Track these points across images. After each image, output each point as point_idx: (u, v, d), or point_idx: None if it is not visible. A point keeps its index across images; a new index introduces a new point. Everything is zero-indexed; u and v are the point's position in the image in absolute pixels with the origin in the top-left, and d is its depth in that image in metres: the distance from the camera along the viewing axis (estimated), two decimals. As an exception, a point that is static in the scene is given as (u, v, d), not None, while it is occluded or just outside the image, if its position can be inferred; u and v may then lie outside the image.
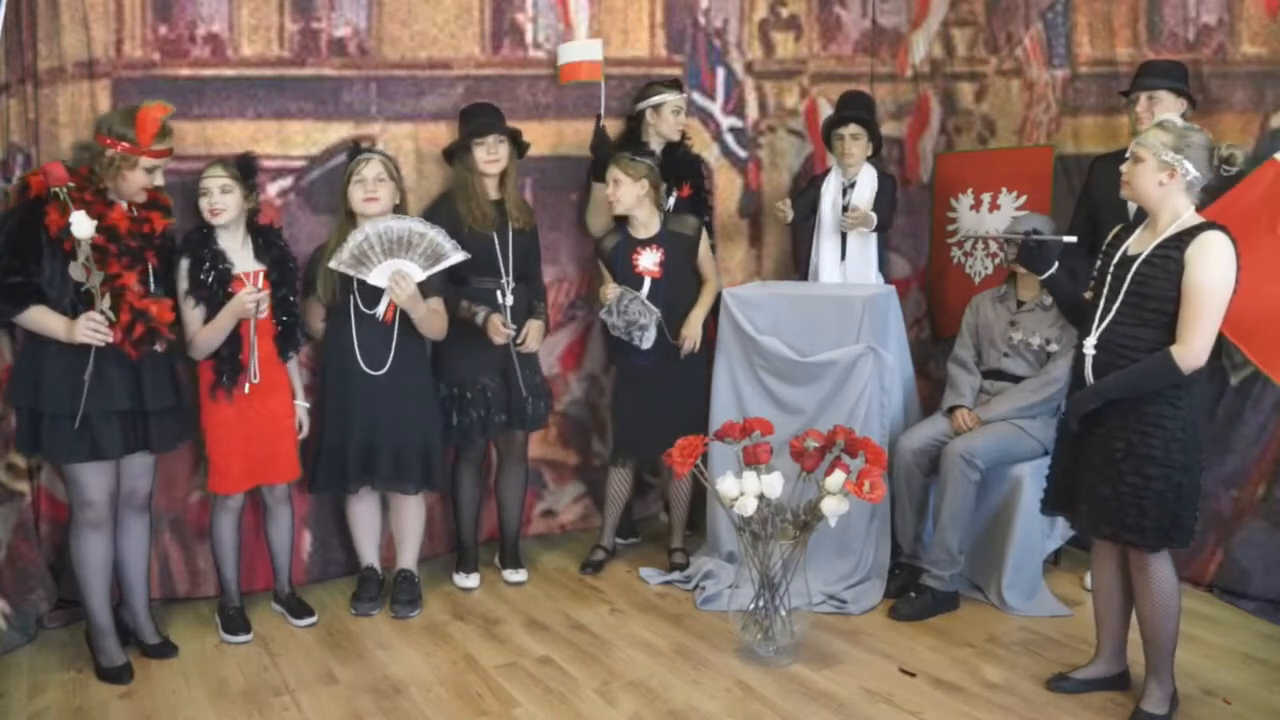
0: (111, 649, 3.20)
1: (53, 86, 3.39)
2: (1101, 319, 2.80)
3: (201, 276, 3.28)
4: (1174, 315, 2.67)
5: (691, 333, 3.87)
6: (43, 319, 2.97)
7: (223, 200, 3.35)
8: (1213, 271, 2.63)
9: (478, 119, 3.76)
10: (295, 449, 3.55)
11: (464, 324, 3.72)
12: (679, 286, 3.90)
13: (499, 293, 3.77)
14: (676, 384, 3.90)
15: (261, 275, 3.39)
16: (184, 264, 3.30)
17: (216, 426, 3.37)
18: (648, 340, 3.81)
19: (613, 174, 3.82)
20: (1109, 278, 2.82)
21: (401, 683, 3.18)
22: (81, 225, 2.89)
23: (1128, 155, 2.82)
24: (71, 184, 2.95)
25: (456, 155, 3.78)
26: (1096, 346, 2.79)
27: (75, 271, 2.97)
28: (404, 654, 3.38)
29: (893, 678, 3.18)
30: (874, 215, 4.18)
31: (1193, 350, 2.65)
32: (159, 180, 3.15)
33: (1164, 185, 2.72)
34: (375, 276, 3.45)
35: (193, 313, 3.28)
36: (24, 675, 3.22)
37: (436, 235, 3.48)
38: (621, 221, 3.96)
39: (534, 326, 3.84)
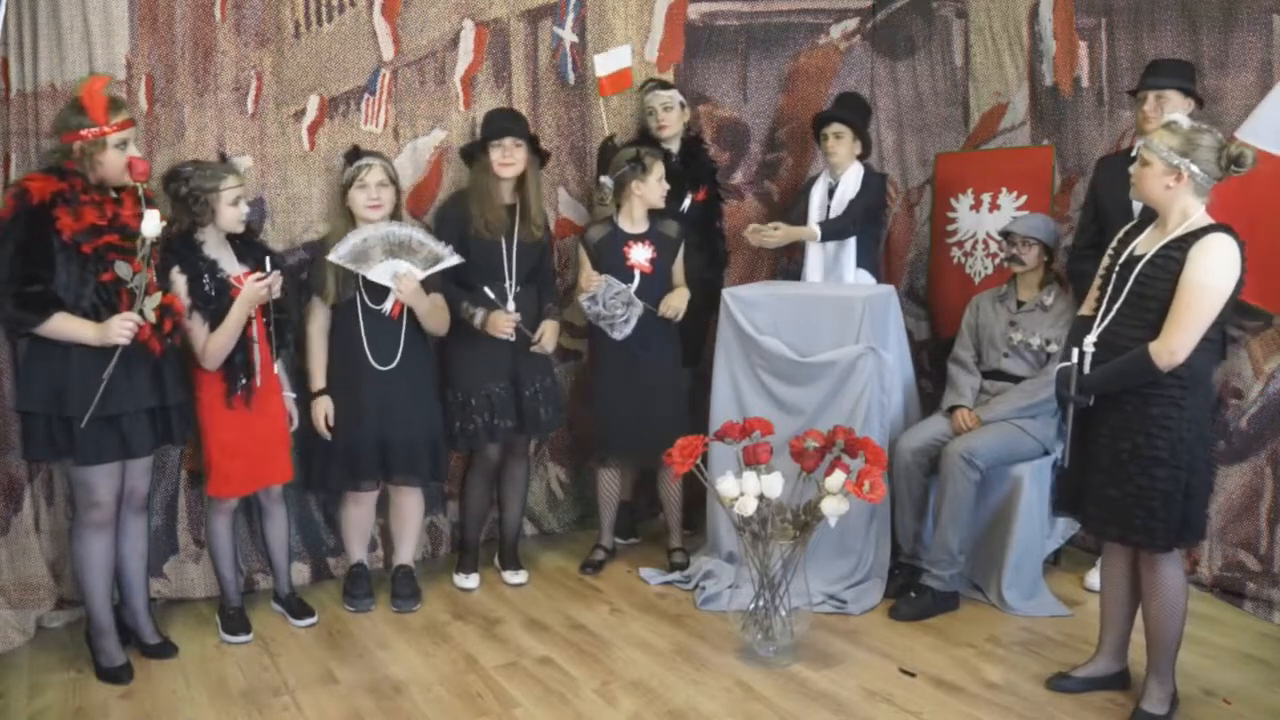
0: (111, 649, 3.20)
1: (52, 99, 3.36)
2: (1103, 318, 2.77)
3: (206, 290, 3.25)
4: None
5: (677, 304, 3.86)
6: (68, 325, 2.92)
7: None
8: (1209, 272, 2.59)
9: (496, 123, 3.75)
10: (289, 450, 3.55)
11: (467, 326, 3.72)
12: (664, 287, 3.90)
13: (502, 297, 3.73)
14: (658, 385, 3.89)
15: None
16: (180, 279, 3.23)
17: (219, 429, 3.35)
18: (624, 332, 3.81)
19: (660, 170, 3.82)
20: (1114, 276, 2.78)
21: (401, 683, 3.18)
22: (152, 224, 2.90)
23: (1133, 155, 2.79)
24: (75, 186, 2.93)
25: (475, 157, 3.78)
26: (1096, 345, 2.75)
27: (121, 270, 2.96)
28: (404, 654, 3.38)
29: (893, 678, 3.18)
30: (806, 229, 4.09)
31: (1170, 346, 2.60)
32: (134, 152, 3.03)
33: (1170, 189, 2.68)
34: (376, 274, 3.49)
35: (198, 326, 3.26)
36: (24, 675, 3.22)
37: (432, 243, 3.55)
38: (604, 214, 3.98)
39: (549, 326, 3.84)
